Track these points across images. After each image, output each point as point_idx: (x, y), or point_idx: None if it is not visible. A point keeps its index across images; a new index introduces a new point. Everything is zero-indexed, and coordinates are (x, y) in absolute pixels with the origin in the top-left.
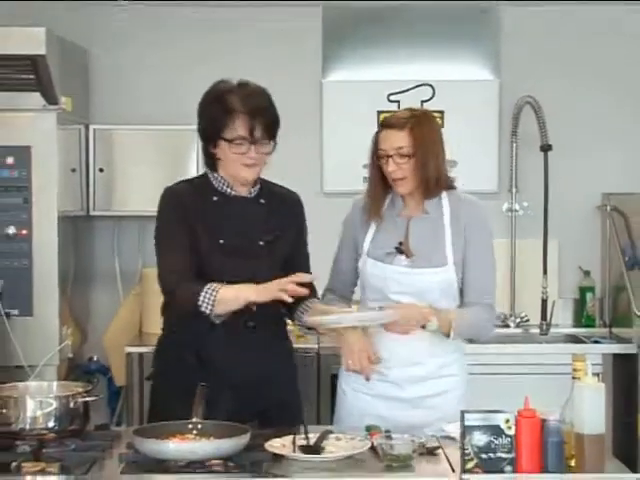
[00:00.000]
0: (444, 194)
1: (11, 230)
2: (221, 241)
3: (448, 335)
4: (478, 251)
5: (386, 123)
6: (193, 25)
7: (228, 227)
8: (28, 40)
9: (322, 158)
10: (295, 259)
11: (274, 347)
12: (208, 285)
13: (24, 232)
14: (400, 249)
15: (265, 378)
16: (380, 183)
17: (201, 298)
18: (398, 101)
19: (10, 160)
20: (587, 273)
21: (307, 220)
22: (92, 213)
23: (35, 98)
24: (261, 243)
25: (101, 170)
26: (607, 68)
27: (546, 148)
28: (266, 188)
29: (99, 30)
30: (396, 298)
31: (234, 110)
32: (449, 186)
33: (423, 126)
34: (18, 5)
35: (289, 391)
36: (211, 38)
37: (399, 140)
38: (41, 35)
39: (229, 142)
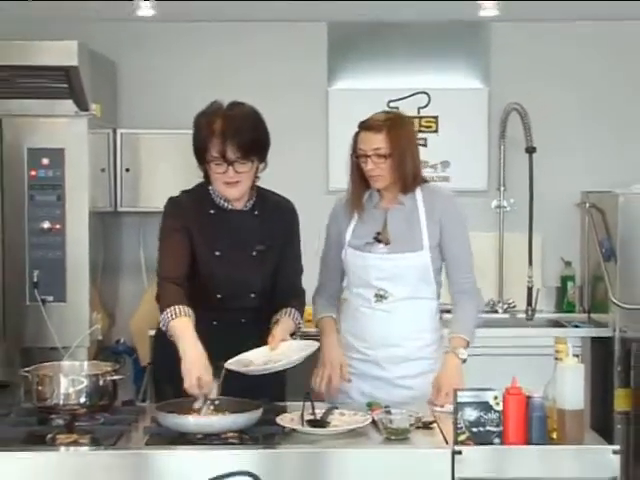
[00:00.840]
0: (418, 188)
1: (46, 225)
2: (217, 253)
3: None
4: (454, 236)
5: (364, 126)
6: (212, 39)
7: (223, 239)
8: (62, 52)
9: (328, 159)
10: (282, 262)
11: (261, 339)
12: (171, 308)
13: (58, 227)
14: (378, 238)
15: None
16: (360, 179)
17: (162, 315)
18: (397, 107)
19: (45, 161)
20: (568, 264)
21: (313, 213)
22: (119, 209)
23: (68, 105)
24: (254, 253)
25: (127, 170)
26: (586, 79)
27: (531, 150)
28: (261, 198)
29: (126, 44)
30: (377, 284)
31: (212, 132)
32: (423, 180)
33: (399, 128)
34: (53, 20)
35: (272, 377)
36: (228, 51)
37: (377, 142)
38: (74, 48)
39: (209, 163)
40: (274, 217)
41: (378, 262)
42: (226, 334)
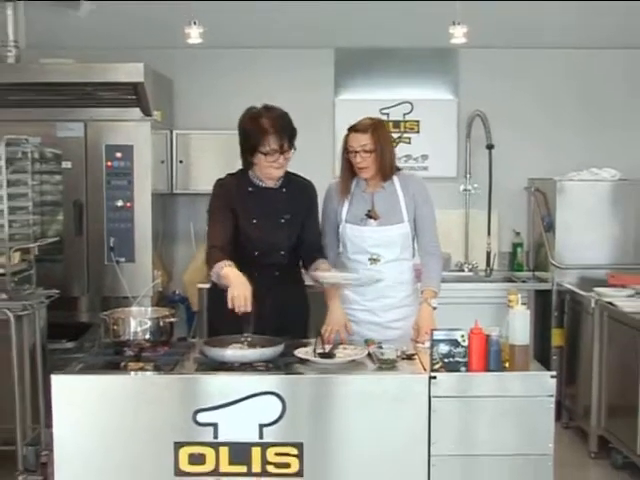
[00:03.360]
0: (394, 175)
1: (119, 203)
2: (254, 220)
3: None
4: (424, 210)
5: (354, 128)
6: (244, 61)
7: (259, 210)
8: (132, 72)
9: (334, 154)
10: (306, 227)
11: (291, 289)
12: (219, 263)
13: (128, 205)
14: (369, 215)
15: (282, 307)
16: (348, 171)
17: (213, 270)
18: (388, 113)
19: (119, 154)
20: (518, 234)
21: (320, 197)
22: (174, 192)
23: (136, 112)
24: (282, 221)
25: (181, 161)
26: (533, 92)
27: (490, 147)
28: (287, 179)
29: (180, 65)
30: (371, 250)
31: (267, 131)
32: (397, 169)
33: (380, 130)
34: (125, 47)
35: (298, 317)
36: (256, 70)
37: (363, 140)
38: (140, 69)
39: (264, 154)
40: (298, 193)
41: (371, 233)
42: (263, 283)
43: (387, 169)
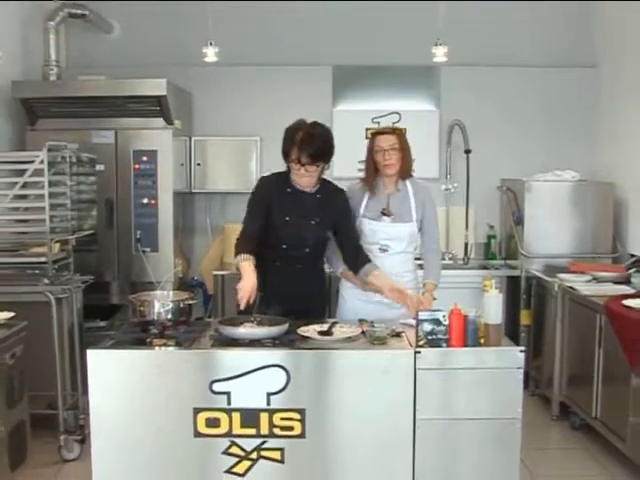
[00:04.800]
0: (407, 181)
1: (145, 200)
2: (287, 219)
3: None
4: (429, 214)
5: (381, 131)
6: (253, 77)
7: (293, 210)
8: (155, 87)
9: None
10: (343, 227)
11: (312, 280)
12: (241, 255)
13: (153, 202)
14: (384, 212)
15: (305, 295)
16: (373, 169)
17: (236, 258)
18: (378, 122)
19: (145, 158)
20: (492, 227)
21: None
22: (193, 191)
23: (159, 121)
24: (312, 222)
25: (199, 164)
26: (504, 105)
27: (467, 151)
28: (323, 186)
29: (198, 80)
30: (382, 242)
31: (293, 143)
32: (411, 175)
33: (402, 135)
34: (150, 65)
35: (318, 302)
36: (263, 85)
37: (392, 140)
38: (163, 83)
39: (291, 162)
40: (330, 199)
41: (384, 228)
42: (282, 271)
43: (407, 169)
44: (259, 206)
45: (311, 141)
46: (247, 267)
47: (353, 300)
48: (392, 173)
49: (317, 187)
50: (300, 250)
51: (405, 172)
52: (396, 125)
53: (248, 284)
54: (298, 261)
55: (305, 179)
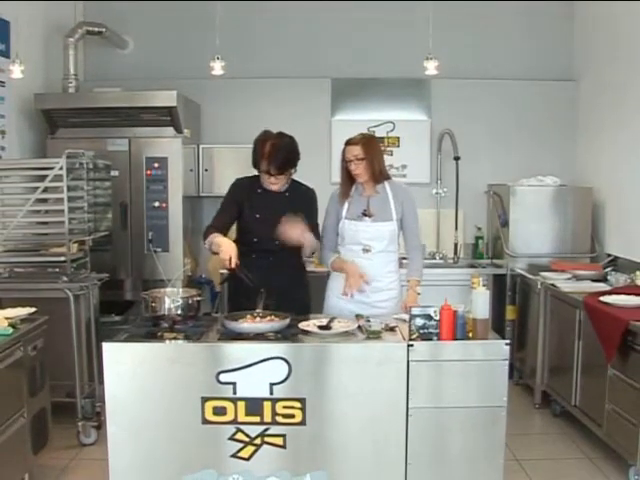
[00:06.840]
0: (386, 182)
1: (157, 204)
2: (257, 215)
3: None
4: (410, 213)
5: (348, 142)
6: (258, 89)
7: (263, 208)
8: (166, 98)
9: (331, 163)
10: (307, 223)
11: (290, 274)
12: (212, 234)
13: (164, 205)
14: (365, 213)
15: (283, 289)
16: (346, 178)
17: (207, 239)
18: (374, 131)
19: (156, 164)
20: (479, 229)
21: (320, 198)
22: (201, 195)
23: (170, 130)
24: (282, 219)
25: (206, 170)
26: (491, 115)
27: (457, 158)
28: (292, 186)
29: (206, 92)
30: (364, 242)
31: (262, 155)
32: (388, 177)
33: (369, 143)
34: (161, 78)
35: (299, 297)
36: (266, 96)
37: (356, 151)
38: (174, 95)
39: (260, 172)
40: (298, 198)
41: (365, 228)
42: (260, 265)
43: (377, 174)
44: (230, 204)
45: (277, 154)
46: (220, 237)
47: (337, 298)
48: (362, 181)
49: (286, 187)
50: (271, 243)
51: (376, 177)
52: (389, 134)
53: (228, 246)
54: (270, 254)
55: (275, 186)
